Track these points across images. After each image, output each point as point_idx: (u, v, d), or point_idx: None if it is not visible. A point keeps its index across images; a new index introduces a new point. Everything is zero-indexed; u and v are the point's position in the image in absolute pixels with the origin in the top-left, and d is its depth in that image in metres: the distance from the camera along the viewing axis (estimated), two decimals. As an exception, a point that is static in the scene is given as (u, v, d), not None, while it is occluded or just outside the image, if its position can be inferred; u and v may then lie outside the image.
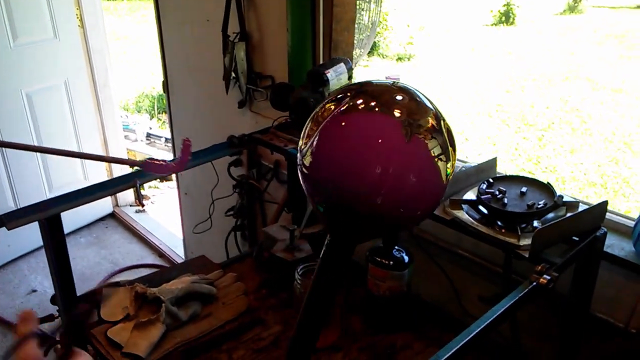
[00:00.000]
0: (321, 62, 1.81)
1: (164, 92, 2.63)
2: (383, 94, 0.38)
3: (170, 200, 3.23)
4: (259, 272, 1.65)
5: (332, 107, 0.39)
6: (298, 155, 0.40)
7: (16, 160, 3.14)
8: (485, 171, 1.32)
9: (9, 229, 1.22)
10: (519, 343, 1.38)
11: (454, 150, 0.40)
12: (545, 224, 1.12)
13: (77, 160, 3.46)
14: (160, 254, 3.34)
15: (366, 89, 0.40)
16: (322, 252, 0.42)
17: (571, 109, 5.01)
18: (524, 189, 1.20)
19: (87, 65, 3.37)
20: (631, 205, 3.72)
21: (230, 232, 2.24)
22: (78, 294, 2.84)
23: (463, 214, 1.19)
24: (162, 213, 3.68)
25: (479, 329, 0.88)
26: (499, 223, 1.18)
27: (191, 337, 1.39)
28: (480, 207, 1.19)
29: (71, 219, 3.48)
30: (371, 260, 1.38)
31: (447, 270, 1.47)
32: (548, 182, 1.21)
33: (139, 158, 4.39)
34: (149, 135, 4.51)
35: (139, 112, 5.43)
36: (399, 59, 6.50)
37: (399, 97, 0.38)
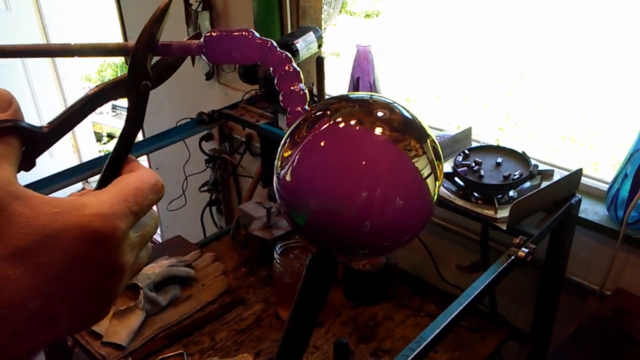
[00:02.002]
0: (289, 31, 1.75)
1: (126, 64, 2.53)
2: (363, 111, 0.36)
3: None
4: (237, 251, 1.63)
5: (310, 125, 0.36)
6: (275, 175, 0.37)
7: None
8: (460, 141, 1.31)
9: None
10: (495, 308, 1.41)
11: (441, 164, 0.38)
12: (522, 196, 1.12)
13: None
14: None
15: (344, 105, 0.37)
16: (305, 270, 0.40)
17: (537, 62, 5.01)
18: (499, 160, 1.20)
19: (43, 38, 3.21)
20: (600, 157, 3.79)
21: (206, 208, 2.21)
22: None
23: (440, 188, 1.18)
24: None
25: (460, 308, 0.89)
26: (476, 194, 1.18)
27: (172, 321, 1.38)
28: (457, 180, 1.19)
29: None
30: (349, 235, 1.38)
31: (425, 239, 1.48)
32: (523, 152, 1.21)
33: (105, 131, 4.26)
34: (114, 107, 4.38)
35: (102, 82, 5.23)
36: (367, 15, 6.38)
37: (380, 114, 0.35)
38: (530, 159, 1.19)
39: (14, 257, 0.27)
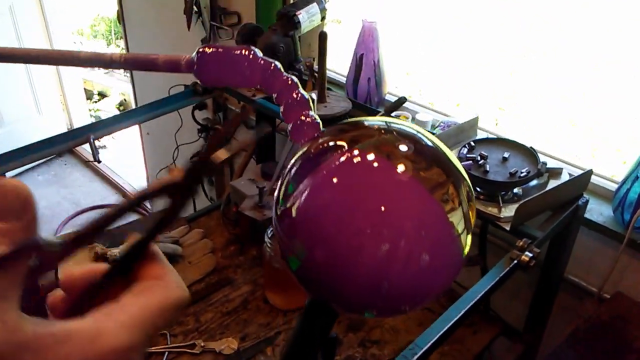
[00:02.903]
0: (292, 0, 1.66)
1: (119, 23, 2.42)
2: (383, 142, 0.29)
3: (132, 139, 3.08)
4: (227, 227, 1.58)
5: (323, 156, 0.30)
6: (275, 205, 0.31)
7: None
8: (466, 131, 1.25)
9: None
10: (488, 303, 1.38)
11: (474, 207, 0.32)
12: (527, 193, 1.07)
13: (29, 92, 3.23)
14: (124, 194, 3.23)
15: (362, 135, 0.30)
16: (298, 321, 0.34)
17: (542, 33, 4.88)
18: (506, 154, 1.14)
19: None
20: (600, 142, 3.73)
21: (196, 178, 2.15)
22: (41, 234, 2.76)
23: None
24: (124, 151, 3.53)
25: (459, 314, 0.85)
26: (479, 189, 1.13)
27: (156, 300, 1.33)
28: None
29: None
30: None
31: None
32: (531, 147, 1.15)
33: (97, 89, 4.14)
34: (107, 64, 4.24)
35: (95, 37, 5.07)
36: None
37: (403, 147, 0.29)
38: (539, 156, 1.13)
39: None
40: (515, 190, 1.14)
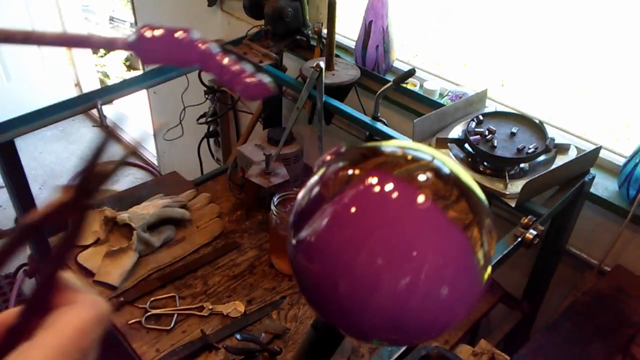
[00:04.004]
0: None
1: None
2: (404, 171, 0.29)
3: (140, 96, 3.06)
4: (233, 192, 1.60)
5: (342, 184, 0.30)
6: (291, 229, 0.32)
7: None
8: (474, 104, 1.24)
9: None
10: (491, 272, 1.40)
11: (494, 240, 0.32)
12: (534, 169, 1.07)
13: (34, 46, 3.19)
14: (131, 150, 3.24)
15: (382, 163, 0.30)
16: (305, 338, 0.36)
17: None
18: (514, 129, 1.14)
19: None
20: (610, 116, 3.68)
21: (203, 140, 2.16)
22: (49, 192, 2.77)
23: (449, 154, 1.13)
24: (132, 108, 3.51)
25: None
26: (485, 164, 1.13)
27: (165, 263, 1.37)
28: (467, 147, 1.13)
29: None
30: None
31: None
32: (540, 122, 1.15)
33: (102, 44, 4.09)
34: (112, 19, 4.17)
35: None
36: None
37: (422, 177, 0.29)
38: (547, 131, 1.13)
39: None
40: (522, 165, 1.14)
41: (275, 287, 1.35)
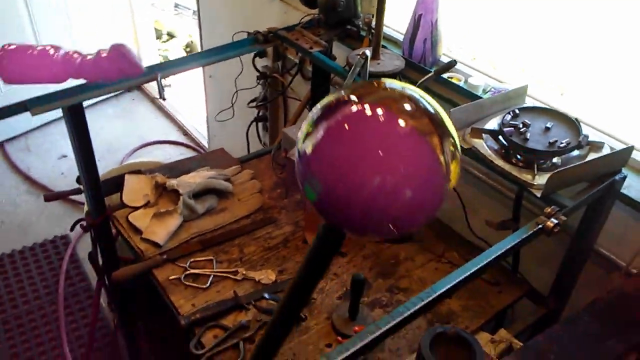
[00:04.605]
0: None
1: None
2: (391, 100, 0.36)
3: (196, 80, 3.21)
4: (275, 171, 1.68)
5: (339, 105, 0.37)
6: (297, 145, 0.39)
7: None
8: (513, 99, 1.27)
9: (32, 115, 1.25)
10: (517, 265, 1.42)
11: (458, 163, 0.38)
12: (566, 164, 1.10)
13: (106, 29, 3.39)
14: (185, 132, 3.40)
15: (375, 92, 0.37)
16: (315, 239, 0.42)
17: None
18: (549, 124, 1.16)
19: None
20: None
21: (252, 123, 2.26)
22: (107, 163, 2.94)
23: (482, 145, 1.17)
24: (188, 91, 3.68)
25: (475, 268, 0.91)
26: (518, 157, 1.16)
27: (206, 229, 1.46)
28: (501, 139, 1.17)
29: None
30: (385, 174, 1.40)
31: (460, 189, 1.48)
32: (576, 119, 1.17)
33: (166, 29, 4.28)
34: (177, 5, 4.37)
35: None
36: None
37: (407, 106, 0.35)
38: (582, 128, 1.15)
39: None
40: (555, 160, 1.17)
41: (307, 261, 1.42)
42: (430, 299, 0.85)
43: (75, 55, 0.34)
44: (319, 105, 0.39)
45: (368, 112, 0.35)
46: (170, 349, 1.67)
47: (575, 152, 1.15)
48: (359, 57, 1.35)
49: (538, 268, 1.48)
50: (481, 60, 1.71)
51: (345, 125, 0.35)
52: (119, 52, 0.35)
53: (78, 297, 2.37)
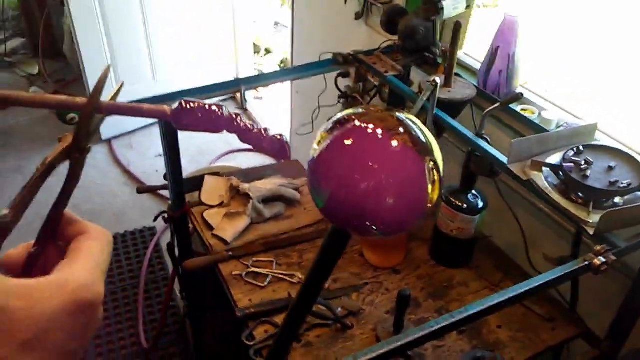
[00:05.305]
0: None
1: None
2: (390, 124, 0.43)
3: (284, 95, 3.39)
4: (343, 186, 1.76)
5: (345, 123, 0.44)
6: (313, 146, 0.47)
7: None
8: (581, 136, 1.27)
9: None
10: (575, 304, 1.40)
11: (438, 185, 0.44)
12: (622, 205, 1.09)
13: (217, 46, 3.67)
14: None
15: (379, 115, 0.44)
16: (324, 240, 0.50)
17: None
18: (612, 164, 1.15)
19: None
20: None
21: (330, 139, 2.36)
22: (197, 166, 3.17)
23: (541, 177, 1.18)
24: (276, 105, 3.87)
25: (513, 294, 0.94)
26: (579, 194, 1.16)
27: (271, 233, 1.57)
28: (560, 174, 1.17)
29: (195, 96, 3.78)
30: (445, 199, 1.43)
31: (523, 220, 1.48)
32: (642, 160, 1.15)
33: (264, 46, 4.53)
34: (276, 23, 4.61)
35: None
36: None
37: (401, 129, 0.42)
38: (647, 170, 1.13)
39: (23, 348, 0.30)
40: (617, 200, 1.15)
41: (360, 273, 1.49)
42: (462, 317, 0.89)
43: (239, 120, 0.41)
44: (331, 120, 0.46)
45: (370, 130, 0.42)
46: (229, 340, 1.80)
47: (638, 194, 1.13)
48: (429, 83, 1.41)
49: (599, 309, 1.44)
50: (559, 94, 1.70)
51: (348, 139, 0.43)
52: (281, 145, 0.42)
53: (157, 284, 2.57)
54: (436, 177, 0.43)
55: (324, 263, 0.52)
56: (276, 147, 0.44)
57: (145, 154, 3.50)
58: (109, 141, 3.58)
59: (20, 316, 0.30)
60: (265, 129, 0.46)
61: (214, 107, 0.44)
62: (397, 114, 0.44)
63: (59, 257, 0.37)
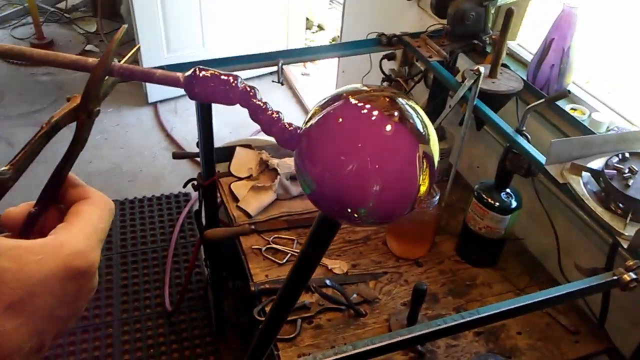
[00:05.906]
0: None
1: None
2: (387, 106, 0.39)
3: (331, 74, 3.35)
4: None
5: (337, 101, 0.41)
6: (305, 119, 0.44)
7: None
8: (629, 142, 1.18)
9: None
10: (604, 319, 1.32)
11: (427, 175, 0.40)
12: (665, 220, 1.01)
13: (270, 18, 3.64)
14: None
15: (377, 97, 0.41)
16: (313, 226, 0.47)
17: None
18: (660, 175, 1.07)
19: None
20: None
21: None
22: (236, 135, 3.18)
23: (579, 182, 1.11)
24: (322, 82, 3.83)
25: (528, 302, 0.89)
26: (619, 204, 1.08)
27: (296, 210, 1.55)
28: (600, 180, 1.10)
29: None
30: (477, 195, 1.37)
31: (559, 225, 1.41)
32: (694, 175, 1.06)
33: (317, 22, 4.48)
34: (331, 0, 4.55)
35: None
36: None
37: (396, 113, 0.39)
38: (698, 186, 1.04)
39: (9, 311, 0.29)
40: (661, 214, 1.07)
41: (381, 262, 1.45)
42: (472, 318, 0.85)
43: (254, 96, 0.38)
44: (326, 97, 0.43)
45: (365, 110, 0.39)
46: (246, 312, 1.81)
47: (685, 210, 1.05)
48: (472, 72, 1.34)
49: (628, 327, 1.36)
50: (616, 97, 1.59)
51: (340, 118, 0.40)
52: (291, 136, 0.39)
53: (186, 249, 2.62)
54: (428, 169, 0.39)
55: (312, 252, 0.49)
56: (286, 137, 0.41)
57: (188, 121, 3.54)
58: (155, 104, 3.64)
59: (7, 278, 0.29)
60: (278, 112, 0.42)
61: (227, 77, 0.41)
62: (398, 97, 0.40)
63: (59, 219, 0.37)
